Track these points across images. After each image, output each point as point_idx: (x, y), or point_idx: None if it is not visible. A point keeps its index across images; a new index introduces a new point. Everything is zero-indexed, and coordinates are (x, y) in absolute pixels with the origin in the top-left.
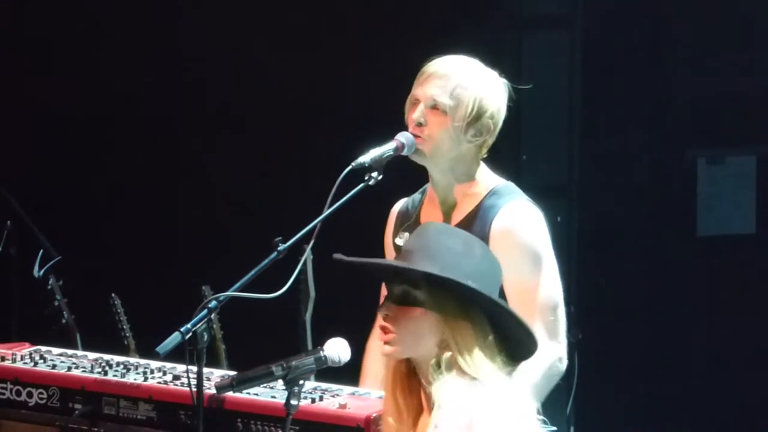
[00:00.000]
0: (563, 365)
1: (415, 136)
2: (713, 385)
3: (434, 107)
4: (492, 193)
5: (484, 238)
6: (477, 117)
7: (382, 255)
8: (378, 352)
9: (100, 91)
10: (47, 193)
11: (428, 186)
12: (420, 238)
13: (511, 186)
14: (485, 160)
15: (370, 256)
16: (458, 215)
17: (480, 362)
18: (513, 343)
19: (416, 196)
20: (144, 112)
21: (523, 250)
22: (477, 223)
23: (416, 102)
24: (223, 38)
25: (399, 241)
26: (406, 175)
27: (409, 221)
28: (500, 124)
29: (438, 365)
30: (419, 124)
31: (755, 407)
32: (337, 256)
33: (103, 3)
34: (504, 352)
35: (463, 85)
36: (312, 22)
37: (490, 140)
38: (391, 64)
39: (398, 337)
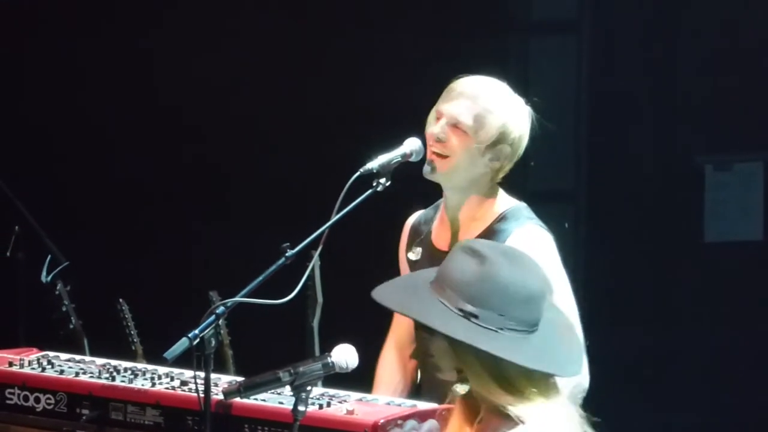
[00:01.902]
0: (586, 381)
1: (434, 154)
2: (719, 391)
3: (456, 126)
4: (501, 218)
5: None
6: (497, 142)
7: (390, 263)
8: (392, 361)
9: (105, 94)
10: (55, 198)
11: (441, 202)
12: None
13: (521, 209)
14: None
15: (378, 264)
16: (466, 237)
17: (496, 390)
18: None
19: (429, 212)
20: (151, 116)
21: None
22: None
23: (439, 117)
24: (231, 44)
25: (411, 256)
26: (414, 181)
27: (421, 237)
28: (520, 151)
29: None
30: (438, 140)
31: (762, 412)
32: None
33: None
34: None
35: (488, 109)
36: (317, 27)
37: (507, 166)
38: (400, 69)
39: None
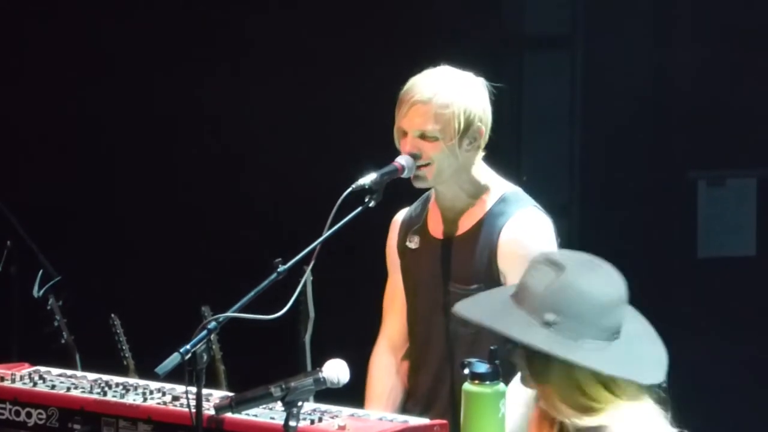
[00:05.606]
0: None
1: (417, 166)
2: (713, 407)
3: (422, 136)
4: (501, 200)
5: (493, 245)
6: (467, 128)
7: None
8: (385, 365)
9: (100, 108)
10: (47, 213)
11: (430, 193)
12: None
13: (519, 192)
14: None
15: (370, 279)
16: (467, 222)
17: (566, 407)
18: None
19: (417, 207)
20: (145, 132)
21: (530, 259)
22: (485, 230)
23: (405, 133)
24: (229, 57)
25: (410, 245)
26: (405, 196)
27: (418, 224)
28: (490, 121)
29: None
30: (415, 156)
31: (757, 427)
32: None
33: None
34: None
35: (445, 105)
36: (310, 42)
37: (485, 136)
38: (390, 84)
39: None
